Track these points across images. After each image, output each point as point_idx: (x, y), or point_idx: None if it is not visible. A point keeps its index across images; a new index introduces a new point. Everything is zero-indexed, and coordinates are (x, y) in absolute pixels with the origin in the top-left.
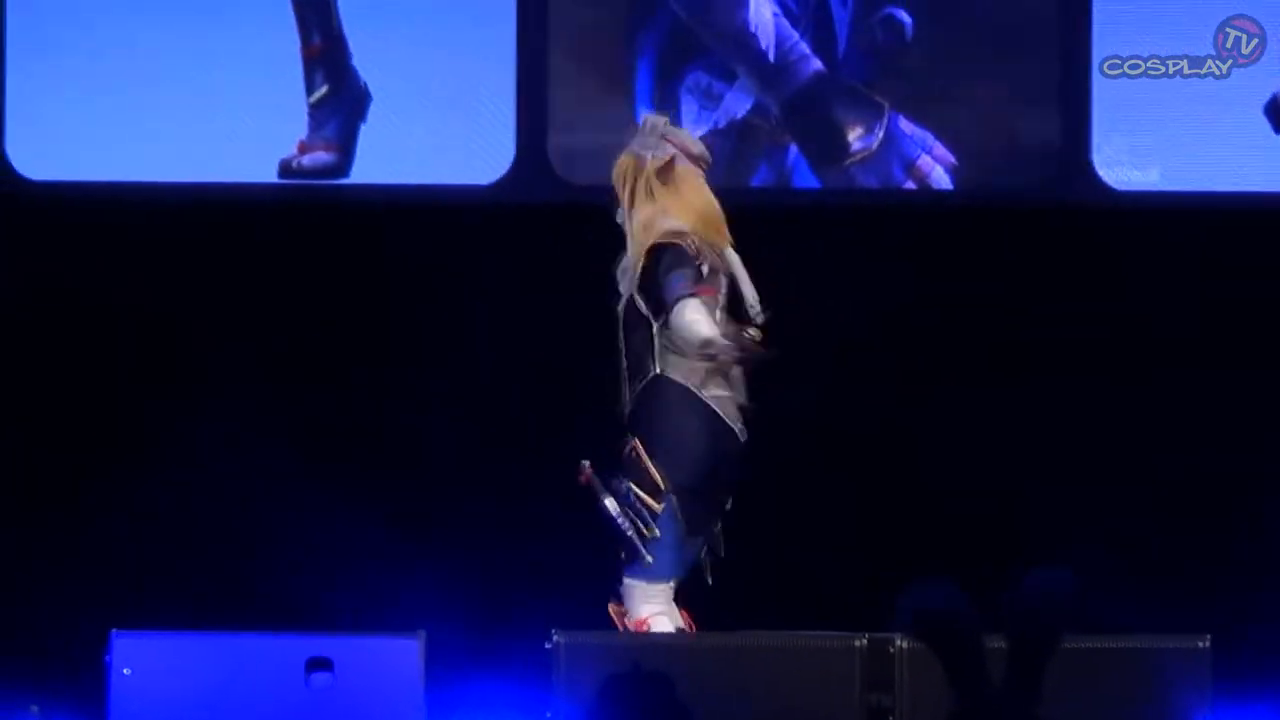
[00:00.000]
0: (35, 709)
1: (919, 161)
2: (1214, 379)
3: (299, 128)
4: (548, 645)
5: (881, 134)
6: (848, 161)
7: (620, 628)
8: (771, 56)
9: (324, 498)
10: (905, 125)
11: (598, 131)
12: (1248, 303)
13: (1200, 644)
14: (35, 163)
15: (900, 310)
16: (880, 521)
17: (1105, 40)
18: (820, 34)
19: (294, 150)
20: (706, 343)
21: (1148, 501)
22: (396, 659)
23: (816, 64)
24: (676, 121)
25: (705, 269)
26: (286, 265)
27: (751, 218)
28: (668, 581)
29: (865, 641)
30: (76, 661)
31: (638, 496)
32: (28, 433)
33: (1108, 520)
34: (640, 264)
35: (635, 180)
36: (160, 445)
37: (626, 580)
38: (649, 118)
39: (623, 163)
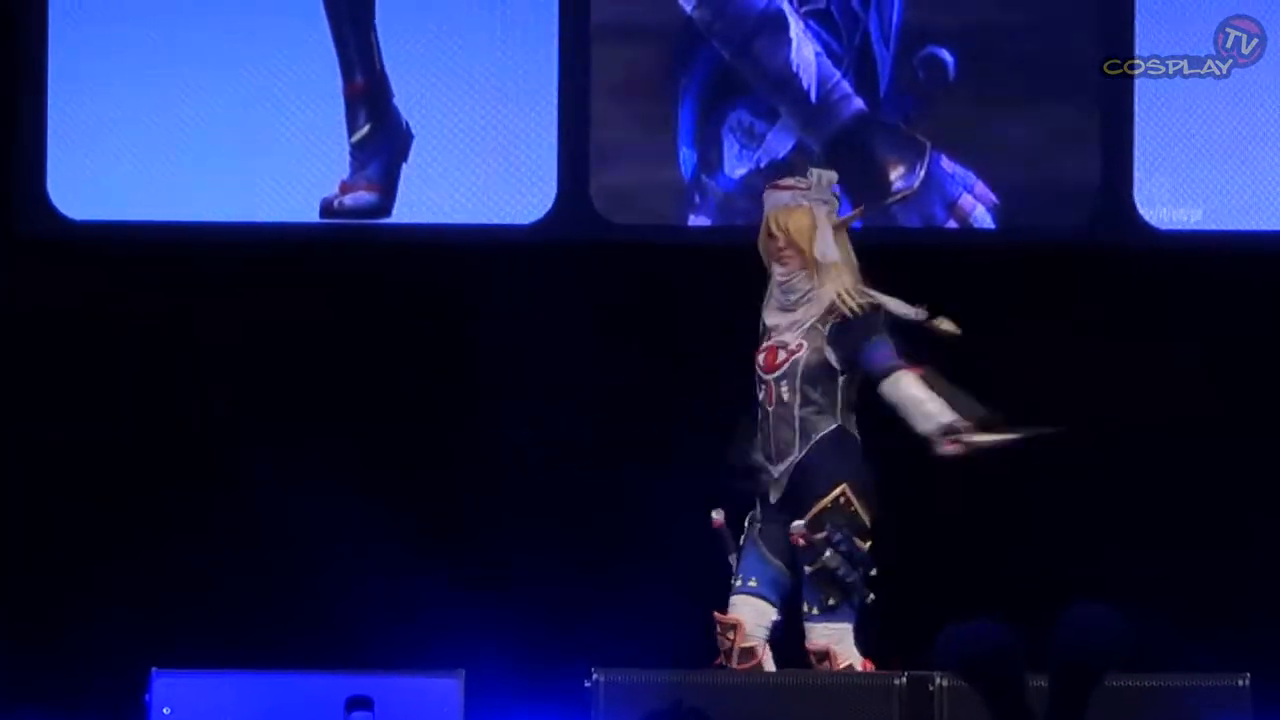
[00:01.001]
0: None
1: (960, 200)
2: (1251, 419)
3: (341, 167)
4: (587, 684)
5: (923, 173)
6: (890, 201)
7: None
8: (814, 96)
9: (364, 536)
10: (947, 164)
11: (640, 171)
12: None
13: (1240, 682)
14: (78, 203)
15: (944, 350)
16: (921, 556)
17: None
18: (862, 73)
19: (336, 190)
20: (949, 428)
21: (1189, 539)
22: (437, 698)
23: (858, 103)
24: (720, 162)
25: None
26: (329, 305)
27: None
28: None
29: (905, 680)
30: (117, 701)
31: (853, 541)
32: (71, 472)
33: (1149, 559)
34: (835, 319)
35: (816, 233)
36: (203, 484)
37: (835, 625)
38: (821, 173)
39: (800, 216)
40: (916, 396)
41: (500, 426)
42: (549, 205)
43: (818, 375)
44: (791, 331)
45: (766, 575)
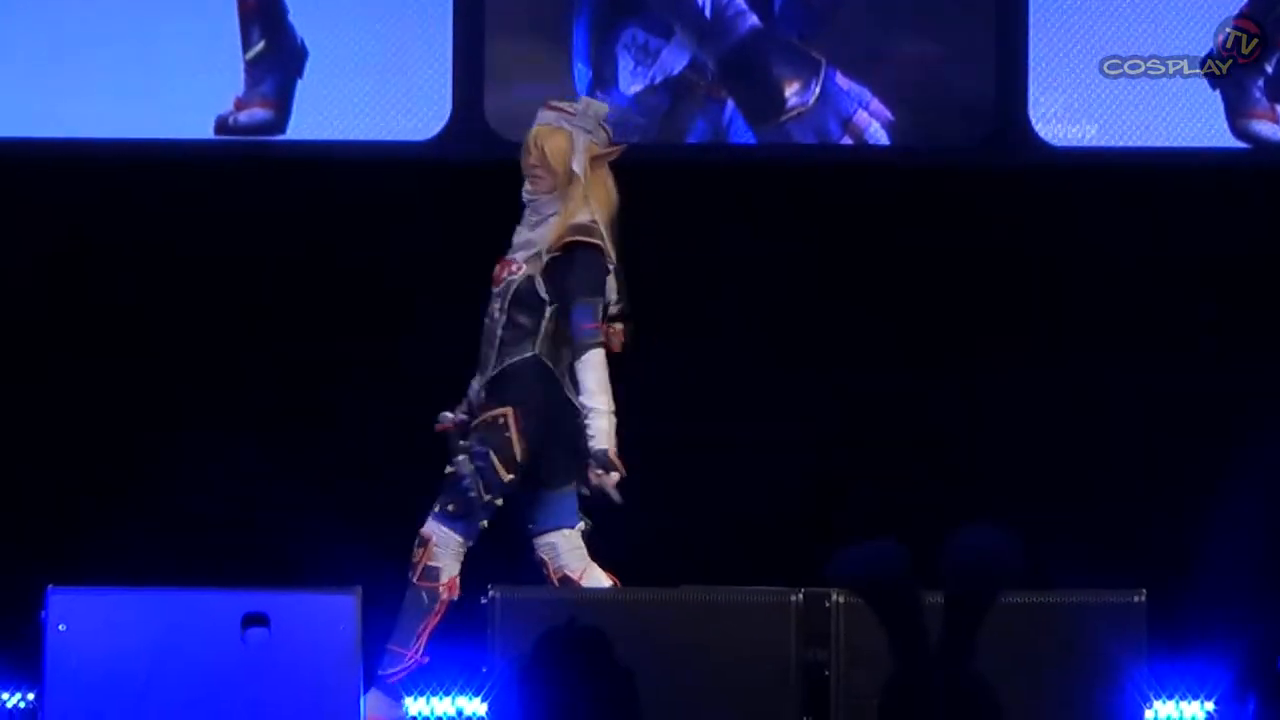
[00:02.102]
0: None
1: (855, 117)
2: (1150, 335)
3: (236, 84)
4: (483, 600)
5: (818, 90)
6: (784, 117)
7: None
8: (708, 12)
9: (260, 454)
10: (842, 81)
11: (534, 88)
12: (1183, 260)
13: (1135, 598)
14: None
15: (837, 266)
16: (819, 476)
17: (1105, 40)
18: None
19: (230, 107)
20: (604, 460)
21: (1084, 458)
22: (333, 615)
23: (753, 19)
24: (614, 79)
25: (611, 268)
26: (223, 222)
27: (687, 174)
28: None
29: (801, 596)
30: (11, 618)
31: (492, 463)
32: None
33: (1045, 476)
34: (555, 253)
35: (570, 160)
36: (93, 401)
37: (443, 529)
38: (590, 102)
39: (558, 139)
40: (595, 405)
41: (390, 342)
42: (443, 122)
43: (526, 301)
44: (524, 250)
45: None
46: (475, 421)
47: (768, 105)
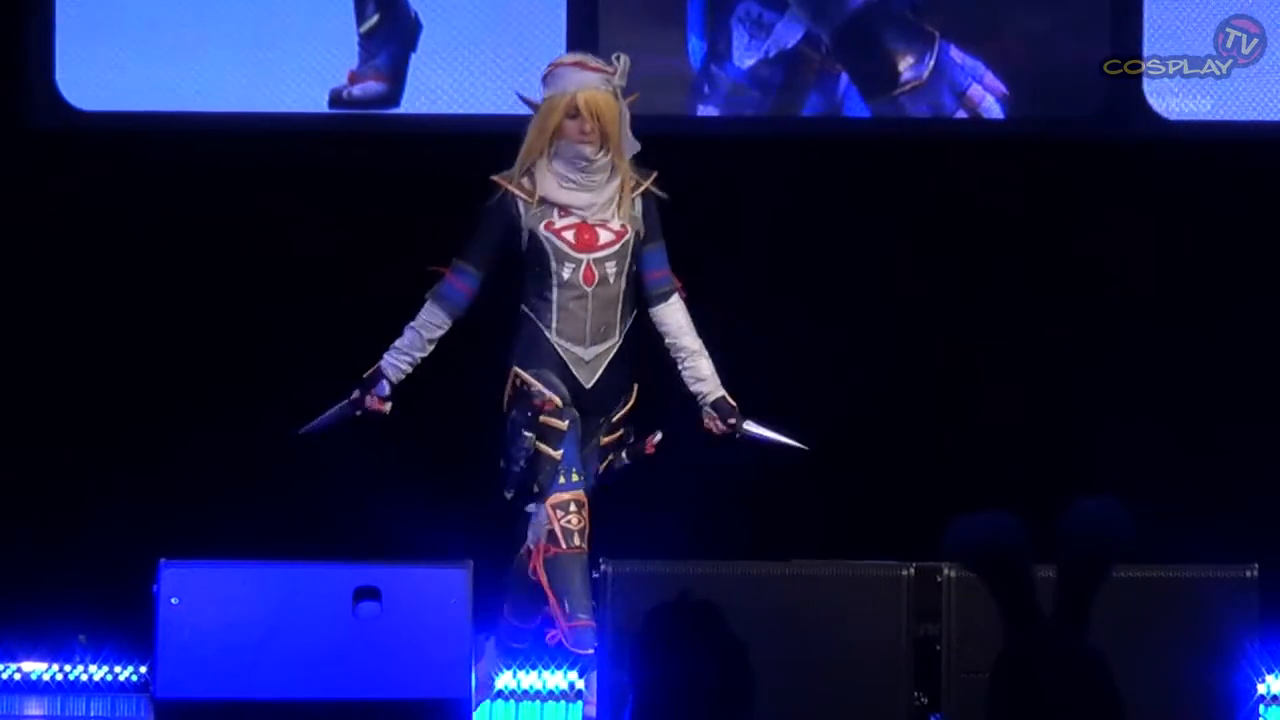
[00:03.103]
0: (83, 638)
1: (970, 90)
2: (1257, 308)
3: (350, 57)
4: (595, 574)
5: (932, 63)
6: (898, 91)
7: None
8: None
9: (372, 428)
10: (956, 54)
11: (648, 61)
12: None
13: (1248, 573)
14: (86, 94)
15: (952, 240)
16: (932, 451)
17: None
18: None
19: (344, 80)
20: (721, 405)
21: (1199, 433)
22: (445, 588)
23: None
24: (728, 52)
25: None
26: (337, 195)
27: (802, 147)
28: None
29: (913, 571)
30: (125, 591)
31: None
32: (79, 364)
33: (1160, 451)
34: (645, 208)
35: (620, 121)
36: (211, 377)
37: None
38: (625, 59)
39: (608, 101)
40: (698, 346)
41: (505, 314)
42: None
43: (636, 257)
44: (604, 211)
45: (583, 469)
46: (622, 414)
47: (882, 79)
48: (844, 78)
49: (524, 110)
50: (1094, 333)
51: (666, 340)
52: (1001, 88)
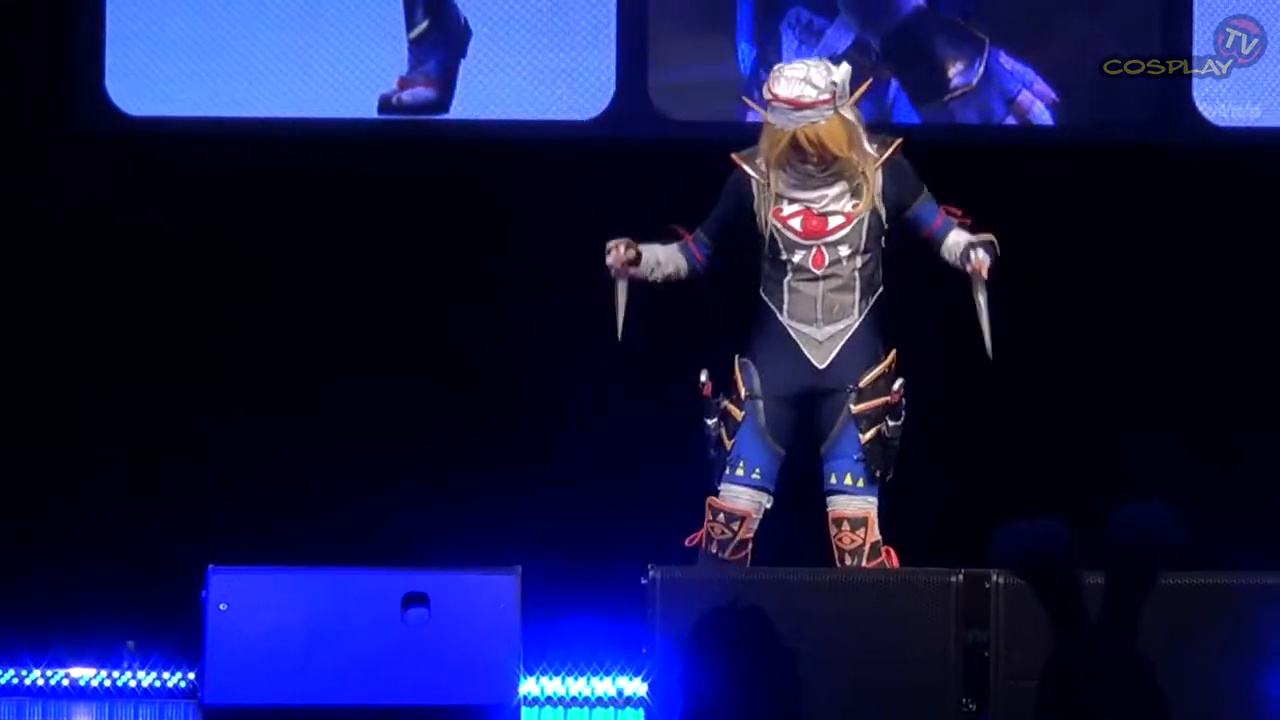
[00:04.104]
0: (131, 644)
1: (1019, 97)
2: None
3: (399, 63)
4: (644, 581)
5: (982, 69)
6: (948, 97)
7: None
8: None
9: (421, 433)
10: (1006, 61)
11: (698, 67)
12: None
13: None
14: (135, 98)
15: (1003, 247)
16: (979, 457)
17: (1105, 40)
18: None
19: (394, 86)
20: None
21: (1249, 439)
22: (493, 594)
23: None
24: (778, 58)
25: None
26: (387, 201)
27: None
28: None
29: (961, 577)
30: (173, 597)
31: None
32: (128, 367)
33: (1209, 457)
34: (890, 158)
35: (855, 132)
36: (259, 381)
37: (872, 498)
38: (844, 69)
39: (835, 128)
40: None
41: (556, 321)
42: (607, 101)
43: (875, 234)
44: (835, 203)
45: (769, 464)
46: (872, 376)
47: (932, 85)
48: (894, 84)
49: (575, 115)
50: (1143, 339)
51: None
52: (1051, 94)
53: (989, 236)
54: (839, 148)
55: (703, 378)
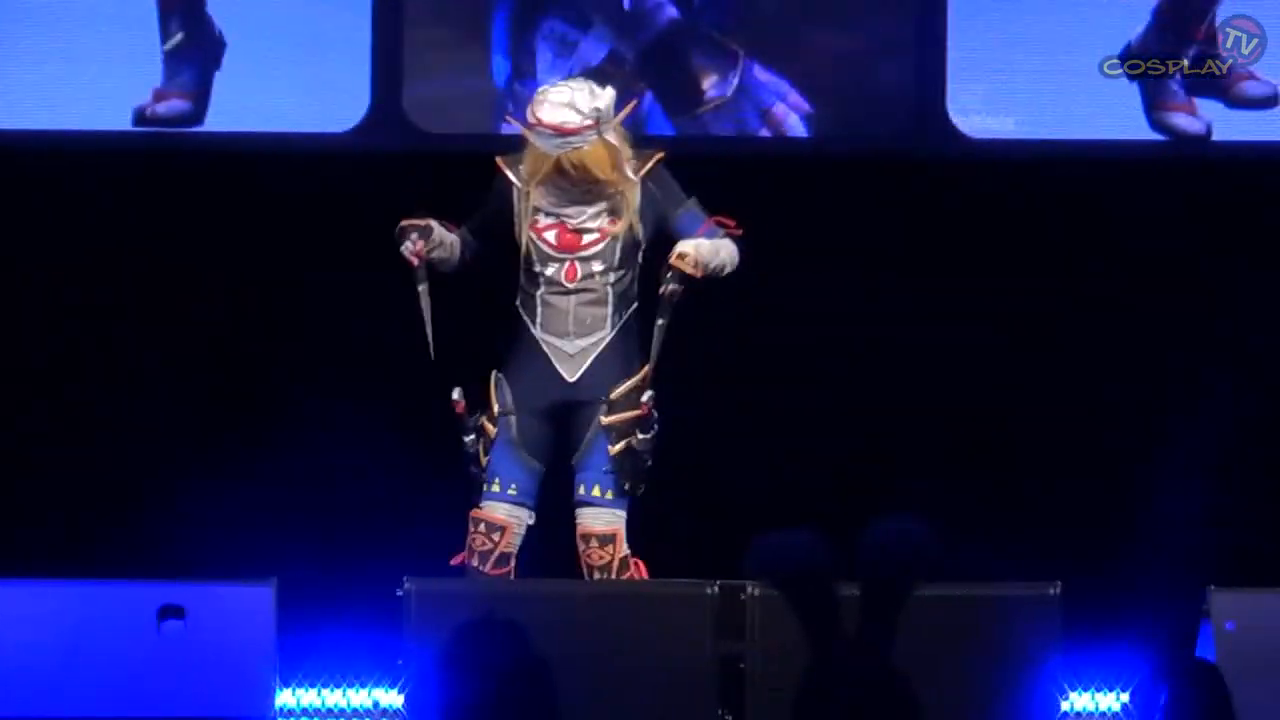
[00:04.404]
0: None
1: (774, 109)
2: (1067, 327)
3: (154, 75)
4: (399, 592)
5: (736, 81)
6: (702, 109)
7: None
8: (627, 4)
9: (175, 444)
10: (760, 73)
11: (453, 80)
12: (1102, 248)
13: (1051, 591)
14: None
15: (756, 259)
16: (733, 469)
17: (1105, 40)
18: None
19: (149, 98)
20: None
21: (1000, 450)
22: (249, 606)
23: (672, 11)
24: (533, 70)
25: None
26: (141, 213)
27: None
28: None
29: (717, 589)
30: None
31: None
32: None
33: (961, 468)
34: (651, 171)
35: (618, 155)
36: (11, 395)
37: (620, 512)
38: (609, 93)
39: (599, 152)
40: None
41: (313, 332)
42: (362, 114)
43: (631, 251)
44: (595, 221)
45: (525, 479)
46: (623, 388)
47: (686, 97)
48: (649, 95)
49: (324, 127)
50: (894, 347)
51: None
52: (806, 106)
53: (689, 259)
54: (602, 171)
55: (455, 395)
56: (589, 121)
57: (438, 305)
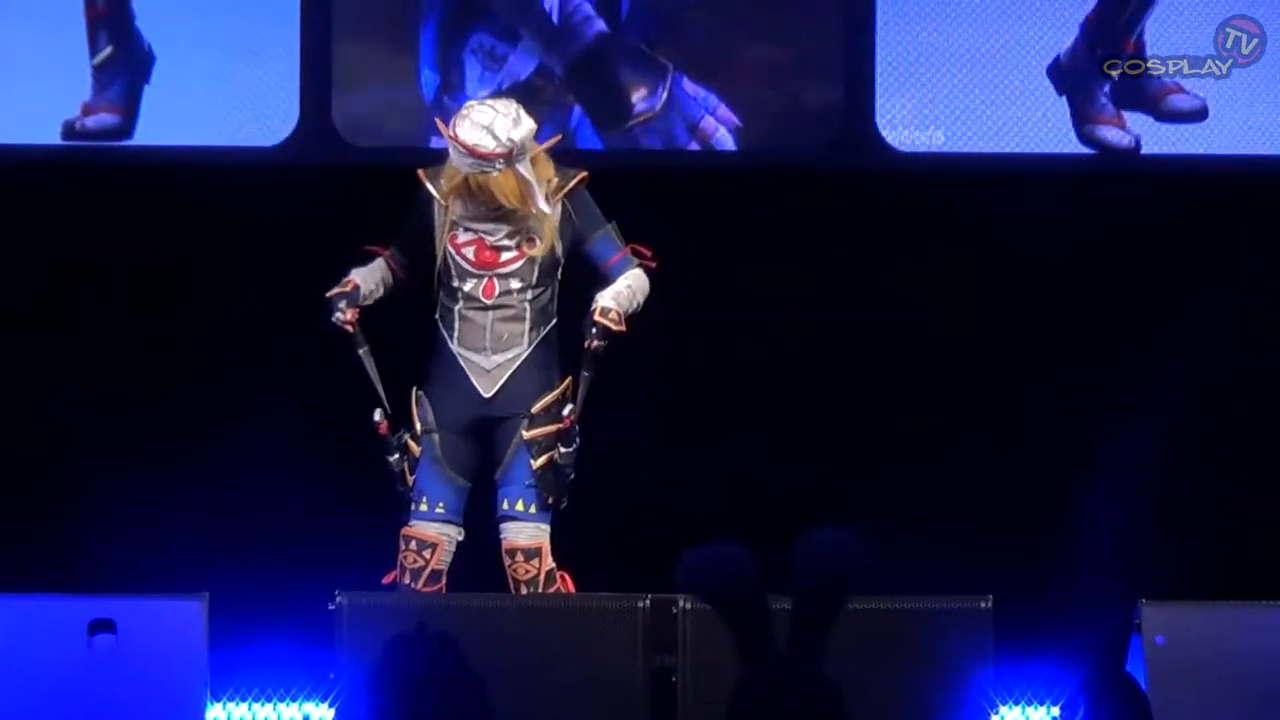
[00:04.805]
0: None
1: (703, 123)
2: (996, 339)
3: (83, 89)
4: (331, 606)
5: (665, 95)
6: (631, 123)
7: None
8: (555, 17)
9: (107, 458)
10: (689, 87)
11: (381, 93)
12: (1030, 261)
13: (982, 604)
14: None
15: (684, 273)
16: (665, 481)
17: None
18: None
19: (78, 111)
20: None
21: (933, 462)
22: (180, 620)
23: (600, 25)
24: (462, 84)
25: None
26: (69, 227)
27: None
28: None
29: (648, 602)
30: None
31: (576, 440)
32: None
33: (891, 481)
34: (571, 190)
35: (528, 187)
36: None
37: (544, 525)
38: (526, 126)
39: (508, 181)
40: (626, 284)
41: (242, 346)
42: (291, 127)
43: (549, 270)
44: (512, 239)
45: (451, 497)
46: (544, 403)
47: (615, 110)
48: (577, 109)
49: (253, 141)
50: (822, 363)
51: None
52: (735, 120)
53: (612, 315)
54: (506, 200)
55: (376, 416)
56: (501, 150)
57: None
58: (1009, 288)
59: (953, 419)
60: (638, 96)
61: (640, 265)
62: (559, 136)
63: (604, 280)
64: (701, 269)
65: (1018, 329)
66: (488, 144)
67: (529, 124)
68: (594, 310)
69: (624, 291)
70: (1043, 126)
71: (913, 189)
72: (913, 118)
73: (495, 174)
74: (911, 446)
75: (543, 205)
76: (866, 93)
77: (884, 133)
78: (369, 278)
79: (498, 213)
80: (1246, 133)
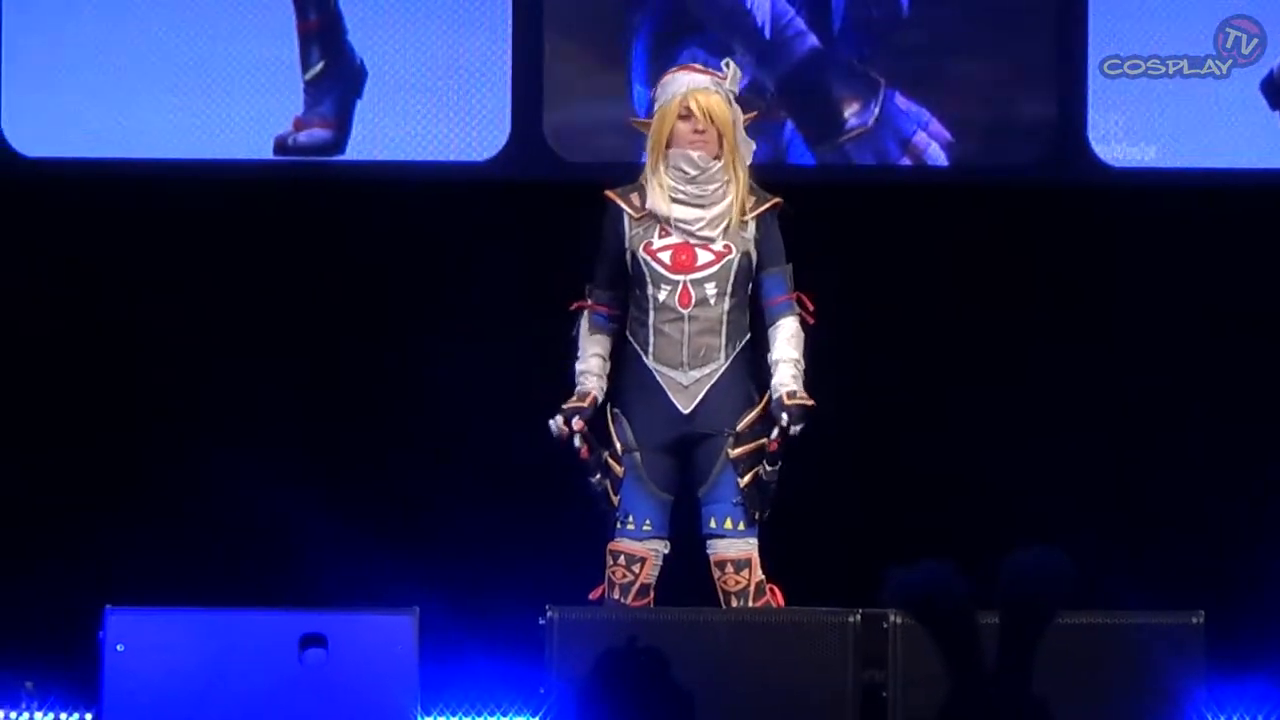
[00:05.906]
0: (29, 685)
1: (914, 138)
2: (1209, 355)
3: (295, 104)
4: (541, 621)
5: (877, 110)
6: (843, 138)
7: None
8: (767, 33)
9: (318, 476)
10: (901, 102)
11: (593, 108)
12: (1244, 279)
13: (1194, 620)
14: (32, 140)
15: (897, 288)
16: (877, 499)
17: (1105, 40)
18: (816, 10)
19: (289, 127)
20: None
21: (1144, 480)
22: (390, 635)
23: (813, 40)
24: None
25: None
26: (282, 242)
27: None
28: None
29: (859, 617)
30: (70, 638)
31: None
32: (25, 411)
33: (1104, 498)
34: (752, 219)
35: (732, 124)
36: (156, 424)
37: (753, 539)
38: (734, 66)
39: (718, 102)
40: (776, 353)
41: (452, 364)
42: (502, 143)
43: (743, 279)
44: (712, 229)
45: (658, 514)
46: (747, 420)
47: (827, 126)
48: (789, 125)
49: (465, 156)
50: (1035, 380)
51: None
52: (946, 135)
53: (803, 401)
54: (723, 121)
55: (576, 443)
56: (720, 73)
57: None
58: (1224, 302)
59: (1167, 430)
60: (850, 112)
61: (799, 315)
62: (754, 114)
63: (759, 313)
64: (914, 284)
65: (1235, 346)
66: (701, 66)
67: (739, 73)
68: (780, 397)
69: (797, 375)
70: (1258, 142)
71: (1124, 205)
72: (1125, 133)
73: (715, 93)
74: (1117, 458)
75: (747, 144)
76: (1079, 108)
77: (1095, 148)
78: (600, 373)
79: (700, 176)
80: None
